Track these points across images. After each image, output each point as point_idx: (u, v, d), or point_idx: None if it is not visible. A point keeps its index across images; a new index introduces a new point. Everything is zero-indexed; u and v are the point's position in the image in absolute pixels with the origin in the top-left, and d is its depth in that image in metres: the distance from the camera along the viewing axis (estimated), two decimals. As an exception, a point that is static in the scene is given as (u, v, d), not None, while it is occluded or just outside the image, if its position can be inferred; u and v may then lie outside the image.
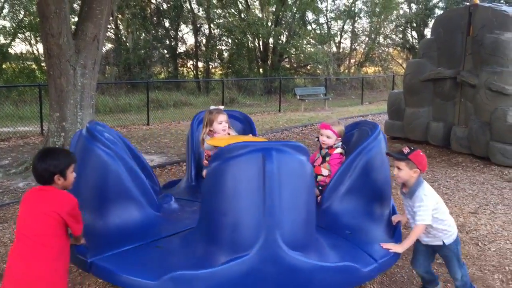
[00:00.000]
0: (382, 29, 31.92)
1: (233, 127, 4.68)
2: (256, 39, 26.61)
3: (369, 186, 3.55)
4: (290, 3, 25.39)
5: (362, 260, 2.95)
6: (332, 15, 30.43)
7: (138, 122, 13.92)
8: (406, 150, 3.11)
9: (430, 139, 9.48)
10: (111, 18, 20.50)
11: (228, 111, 4.68)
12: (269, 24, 25.31)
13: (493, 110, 7.85)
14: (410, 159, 3.05)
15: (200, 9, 26.28)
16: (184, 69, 28.83)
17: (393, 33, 32.90)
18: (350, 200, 3.53)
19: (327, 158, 3.92)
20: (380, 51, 32.94)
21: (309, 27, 28.65)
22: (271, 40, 26.06)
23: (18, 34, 22.86)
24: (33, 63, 23.20)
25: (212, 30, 27.40)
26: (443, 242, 3.16)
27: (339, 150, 3.92)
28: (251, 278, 2.62)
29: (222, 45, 28.34)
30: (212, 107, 4.50)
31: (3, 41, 22.34)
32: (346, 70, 31.45)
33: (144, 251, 3.03)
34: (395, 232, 3.40)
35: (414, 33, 32.64)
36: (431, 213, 3.05)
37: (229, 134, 4.34)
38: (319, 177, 3.93)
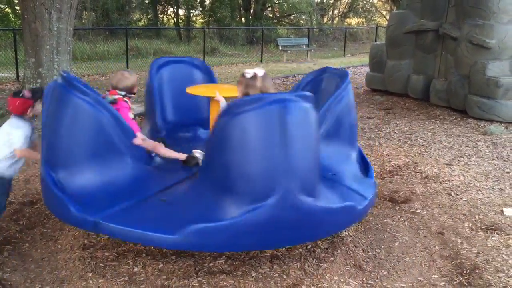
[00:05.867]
0: (367, -22, 31.39)
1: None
2: (239, -13, 25.94)
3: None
4: (274, -51, 24.63)
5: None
6: (317, -37, 29.70)
7: (117, 70, 13.54)
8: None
9: (410, 92, 9.54)
10: (87, -40, 19.73)
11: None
12: (252, -30, 24.63)
13: (472, 63, 7.89)
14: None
15: (182, -48, 25.33)
16: (165, 16, 28.06)
17: (378, -17, 32.38)
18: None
19: None
20: (365, 2, 32.46)
21: (293, -25, 27.93)
22: (254, -12, 25.43)
23: (-10, -24, 21.82)
24: (6, 6, 22.27)
25: (193, -25, 26.52)
26: None
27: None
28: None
29: (204, -8, 27.56)
30: None
31: (-27, -17, 21.32)
32: (330, 21, 31.01)
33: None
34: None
35: (399, -16, 32.12)
36: None
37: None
38: None
